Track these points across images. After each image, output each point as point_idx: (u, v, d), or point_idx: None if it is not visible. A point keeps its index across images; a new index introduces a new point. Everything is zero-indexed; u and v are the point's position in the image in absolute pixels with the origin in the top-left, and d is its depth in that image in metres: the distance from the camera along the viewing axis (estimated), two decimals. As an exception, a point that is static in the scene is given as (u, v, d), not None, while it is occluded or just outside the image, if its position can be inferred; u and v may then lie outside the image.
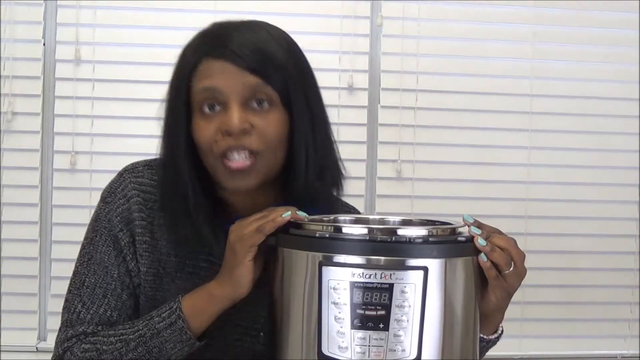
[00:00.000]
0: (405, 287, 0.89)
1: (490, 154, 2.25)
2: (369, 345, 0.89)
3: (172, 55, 1.13)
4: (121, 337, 1.06)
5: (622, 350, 2.30)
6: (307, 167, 1.10)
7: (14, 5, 2.11)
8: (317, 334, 0.90)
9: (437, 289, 0.91)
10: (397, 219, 1.09)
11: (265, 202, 1.12)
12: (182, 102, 1.08)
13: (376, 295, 0.89)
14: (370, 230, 0.92)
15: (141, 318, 1.08)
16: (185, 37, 1.13)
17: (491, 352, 1.12)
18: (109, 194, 1.15)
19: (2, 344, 2.09)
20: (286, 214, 0.98)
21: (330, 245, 0.91)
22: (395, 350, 0.89)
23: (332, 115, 2.08)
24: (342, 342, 0.89)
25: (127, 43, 2.15)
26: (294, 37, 1.15)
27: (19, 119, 2.12)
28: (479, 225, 0.98)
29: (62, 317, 1.13)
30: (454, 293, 0.93)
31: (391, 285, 0.89)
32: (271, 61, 1.06)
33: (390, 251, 0.90)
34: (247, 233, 1.00)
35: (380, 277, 0.89)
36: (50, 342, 1.91)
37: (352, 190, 2.13)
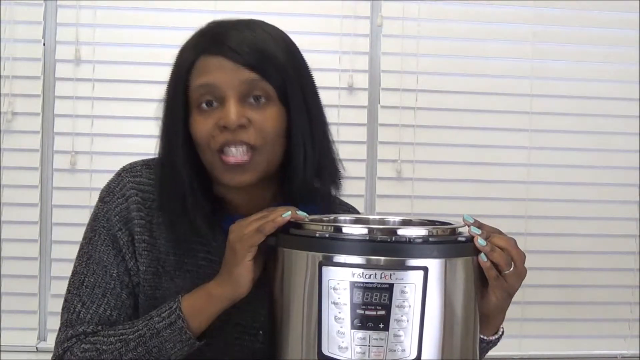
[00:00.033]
0: (405, 287, 0.89)
1: (490, 154, 2.25)
2: (369, 345, 0.89)
3: (172, 55, 1.14)
4: (121, 337, 1.06)
5: (622, 350, 2.30)
6: (304, 164, 1.10)
7: (14, 5, 2.11)
8: (317, 334, 0.90)
9: (437, 289, 0.91)
10: (397, 219, 1.09)
11: (263, 199, 1.13)
12: (180, 99, 1.09)
13: (376, 295, 0.89)
14: (370, 230, 0.92)
15: (141, 318, 1.08)
16: (185, 37, 1.14)
17: (491, 352, 1.12)
18: (107, 194, 1.15)
19: (2, 344, 2.09)
20: (286, 214, 0.98)
21: (330, 245, 0.91)
22: (395, 350, 0.89)
23: (332, 115, 2.08)
24: (342, 342, 0.89)
25: (127, 43, 2.15)
26: (294, 37, 1.15)
27: (19, 119, 2.12)
28: (479, 225, 0.98)
29: (62, 317, 1.13)
30: (454, 293, 0.93)
31: (391, 285, 0.89)
32: (268, 58, 1.07)
33: (390, 251, 0.90)
34: (247, 233, 1.00)
35: (380, 277, 0.89)
36: (50, 342, 1.91)
37: (352, 190, 2.14)
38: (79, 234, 1.17)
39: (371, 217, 1.18)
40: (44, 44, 2.13)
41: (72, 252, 1.17)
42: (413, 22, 2.21)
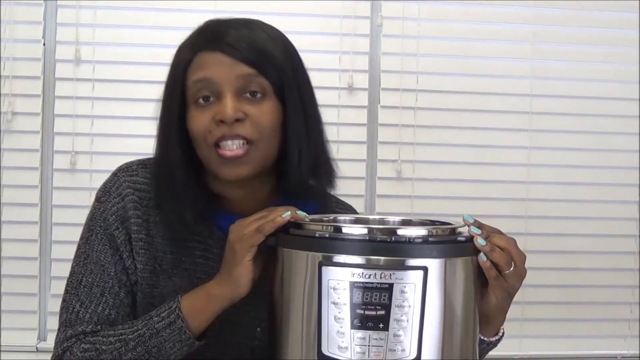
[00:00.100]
0: (405, 287, 0.89)
1: (490, 154, 2.25)
2: (369, 345, 0.89)
3: (172, 55, 1.14)
4: (120, 337, 1.06)
5: (622, 350, 2.30)
6: (300, 160, 1.10)
7: (14, 5, 2.11)
8: (317, 334, 0.90)
9: (436, 289, 0.91)
10: (397, 219, 1.09)
11: (259, 196, 1.14)
12: (177, 97, 1.09)
13: (376, 295, 0.89)
14: (370, 230, 0.92)
15: (141, 318, 1.08)
16: (184, 37, 1.14)
17: (491, 352, 1.12)
18: (104, 194, 1.15)
19: (2, 344, 2.09)
20: (286, 214, 0.98)
21: (330, 245, 0.91)
22: (395, 350, 0.89)
23: (332, 115, 2.09)
24: (342, 342, 0.89)
25: (127, 43, 2.15)
26: (294, 37, 1.15)
27: (19, 119, 2.12)
28: (479, 225, 0.98)
29: (61, 317, 1.13)
30: (454, 293, 0.93)
31: (391, 285, 0.89)
32: (266, 54, 1.08)
33: (390, 251, 0.90)
34: (247, 233, 1.00)
35: (380, 277, 0.89)
36: (50, 342, 1.91)
37: (352, 190, 2.16)
38: (79, 234, 1.17)
39: (371, 217, 1.18)
40: (44, 44, 2.13)
41: (72, 252, 1.17)
42: (413, 22, 2.21)
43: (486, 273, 0.97)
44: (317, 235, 0.93)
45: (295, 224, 0.98)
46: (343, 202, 1.28)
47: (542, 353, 2.27)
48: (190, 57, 1.09)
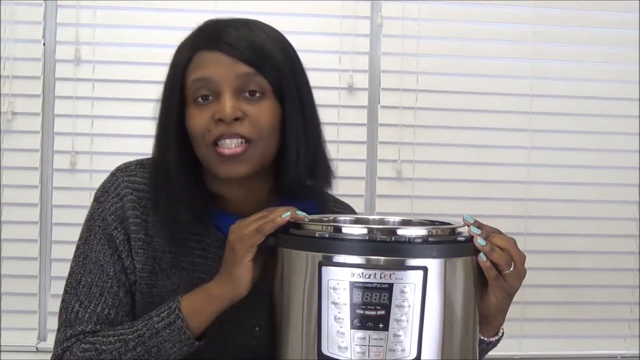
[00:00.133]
0: (404, 287, 0.89)
1: (490, 154, 2.25)
2: (369, 345, 0.89)
3: (172, 55, 1.14)
4: (120, 337, 1.06)
5: (622, 350, 2.30)
6: (297, 159, 1.11)
7: (14, 5, 2.11)
8: (317, 334, 0.91)
9: (436, 288, 0.91)
10: (397, 219, 1.09)
11: (257, 196, 1.14)
12: (176, 96, 1.10)
13: (376, 295, 0.89)
14: (370, 230, 0.92)
15: (140, 318, 1.08)
16: (184, 37, 1.14)
17: (491, 352, 1.12)
18: (102, 194, 1.16)
19: (2, 344, 2.09)
20: (286, 214, 0.98)
21: (330, 245, 0.91)
22: (394, 350, 0.89)
23: (332, 115, 2.09)
24: (342, 342, 0.89)
25: (127, 43, 2.15)
26: (294, 37, 1.15)
27: (19, 119, 2.12)
28: (479, 225, 0.99)
29: (60, 317, 1.13)
30: (454, 293, 0.93)
31: (391, 285, 0.89)
32: (265, 54, 1.08)
33: (390, 251, 0.90)
34: (247, 233, 1.00)
35: (380, 277, 0.89)
36: (50, 342, 1.91)
37: (352, 190, 2.16)
38: (78, 234, 1.17)
39: (371, 217, 1.18)
40: (44, 44, 2.13)
41: (72, 252, 1.17)
42: (413, 22, 2.21)
43: (486, 273, 0.97)
44: (317, 235, 0.93)
45: (295, 224, 0.98)
46: (341, 201, 1.29)
47: (542, 353, 2.27)
48: (189, 56, 1.09)
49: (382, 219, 1.10)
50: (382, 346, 0.89)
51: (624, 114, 2.28)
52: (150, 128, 1.16)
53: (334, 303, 0.89)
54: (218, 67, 1.07)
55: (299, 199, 1.09)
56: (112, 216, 1.13)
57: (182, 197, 1.10)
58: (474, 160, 2.24)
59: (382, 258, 0.90)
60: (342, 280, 0.89)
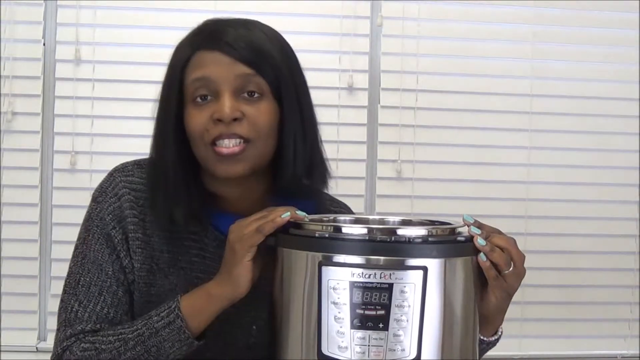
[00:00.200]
0: (404, 287, 0.89)
1: (490, 154, 2.25)
2: (369, 345, 0.89)
3: (170, 54, 1.14)
4: (120, 337, 1.06)
5: (622, 350, 2.30)
6: (295, 159, 1.11)
7: (14, 5, 2.11)
8: (317, 334, 0.91)
9: (436, 288, 0.91)
10: (397, 219, 1.09)
11: (255, 195, 1.14)
12: (175, 96, 1.10)
13: (376, 295, 0.89)
14: (370, 230, 0.92)
15: (140, 317, 1.08)
16: (183, 37, 1.14)
17: (491, 352, 1.12)
18: (100, 194, 1.16)
19: (2, 344, 2.09)
20: (285, 214, 0.98)
21: (330, 245, 0.91)
22: (394, 350, 0.89)
23: (332, 115, 2.09)
24: (342, 342, 0.89)
25: (127, 43, 2.15)
26: (294, 37, 1.16)
27: (19, 119, 2.12)
28: (479, 225, 0.99)
29: (59, 317, 1.13)
30: (454, 293, 0.93)
31: (391, 285, 0.89)
32: (264, 55, 1.08)
33: (389, 251, 0.90)
34: (247, 233, 1.00)
35: (380, 277, 0.89)
36: (50, 342, 1.90)
37: (352, 190, 2.16)
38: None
39: (371, 217, 1.18)
40: (44, 44, 2.13)
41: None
42: (413, 22, 2.21)
43: (486, 273, 0.98)
44: (316, 235, 0.93)
45: (294, 224, 0.98)
46: (337, 200, 1.29)
47: (542, 353, 2.27)
48: (188, 56, 1.10)
49: (382, 219, 1.10)
50: (382, 346, 0.89)
51: (624, 114, 2.28)
52: (150, 128, 1.17)
53: (334, 303, 0.89)
54: (217, 67, 1.07)
55: (295, 199, 1.10)
56: (110, 216, 1.13)
57: (180, 196, 1.10)
58: (474, 160, 2.24)
59: (382, 258, 0.90)
60: (342, 280, 0.89)
